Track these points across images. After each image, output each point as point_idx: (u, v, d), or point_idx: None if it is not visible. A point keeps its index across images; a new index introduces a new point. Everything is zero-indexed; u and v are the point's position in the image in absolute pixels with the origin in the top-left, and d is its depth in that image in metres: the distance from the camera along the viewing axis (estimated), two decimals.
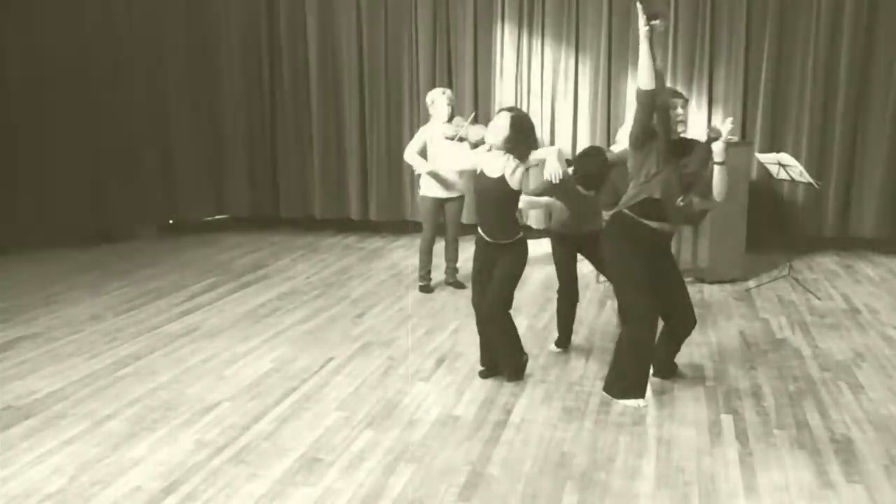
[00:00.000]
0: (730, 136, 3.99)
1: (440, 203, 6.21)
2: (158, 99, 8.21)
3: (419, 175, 6.13)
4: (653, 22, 3.82)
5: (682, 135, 4.07)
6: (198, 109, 8.40)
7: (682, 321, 4.34)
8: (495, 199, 4.30)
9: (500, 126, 4.24)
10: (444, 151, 5.93)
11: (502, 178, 4.25)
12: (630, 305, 4.16)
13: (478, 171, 4.40)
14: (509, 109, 4.32)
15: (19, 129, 7.72)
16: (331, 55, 8.23)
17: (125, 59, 8.00)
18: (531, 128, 4.33)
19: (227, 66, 8.37)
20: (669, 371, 4.48)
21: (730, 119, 4.21)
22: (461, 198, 6.23)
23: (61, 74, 7.73)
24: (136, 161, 8.15)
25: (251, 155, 8.53)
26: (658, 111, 3.96)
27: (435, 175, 6.07)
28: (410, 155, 6.10)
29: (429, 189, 6.18)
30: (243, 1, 8.25)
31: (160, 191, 8.34)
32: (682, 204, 4.05)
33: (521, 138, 4.24)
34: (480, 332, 4.53)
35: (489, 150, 4.35)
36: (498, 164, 4.28)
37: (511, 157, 4.25)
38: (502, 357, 4.46)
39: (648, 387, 4.23)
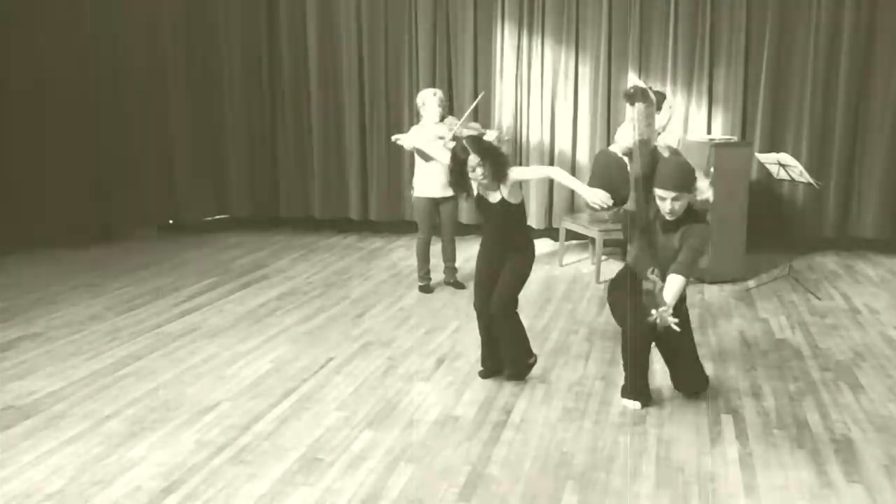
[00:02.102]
0: (671, 325, 3.62)
1: (434, 203, 6.19)
2: (158, 99, 8.19)
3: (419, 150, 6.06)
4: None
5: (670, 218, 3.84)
6: (198, 110, 8.39)
7: (685, 385, 4.25)
8: (502, 218, 4.30)
9: (475, 168, 4.14)
10: (435, 152, 5.93)
11: (503, 200, 4.26)
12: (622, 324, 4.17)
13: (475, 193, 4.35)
14: (465, 150, 4.16)
15: (19, 128, 7.70)
16: (331, 55, 8.21)
17: (125, 59, 7.98)
18: (495, 149, 4.26)
19: (227, 66, 8.35)
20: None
21: (674, 321, 3.62)
22: (455, 197, 6.21)
23: (61, 75, 7.71)
24: (137, 161, 8.14)
25: (251, 155, 8.52)
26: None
27: (420, 152, 5.98)
28: (409, 141, 6.04)
29: (422, 190, 6.17)
30: (243, 2, 8.25)
31: (160, 191, 8.33)
32: (651, 276, 3.76)
33: (493, 162, 4.17)
34: (482, 333, 4.53)
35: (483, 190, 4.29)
36: (495, 194, 4.28)
37: (500, 186, 4.23)
38: (510, 356, 4.44)
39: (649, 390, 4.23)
